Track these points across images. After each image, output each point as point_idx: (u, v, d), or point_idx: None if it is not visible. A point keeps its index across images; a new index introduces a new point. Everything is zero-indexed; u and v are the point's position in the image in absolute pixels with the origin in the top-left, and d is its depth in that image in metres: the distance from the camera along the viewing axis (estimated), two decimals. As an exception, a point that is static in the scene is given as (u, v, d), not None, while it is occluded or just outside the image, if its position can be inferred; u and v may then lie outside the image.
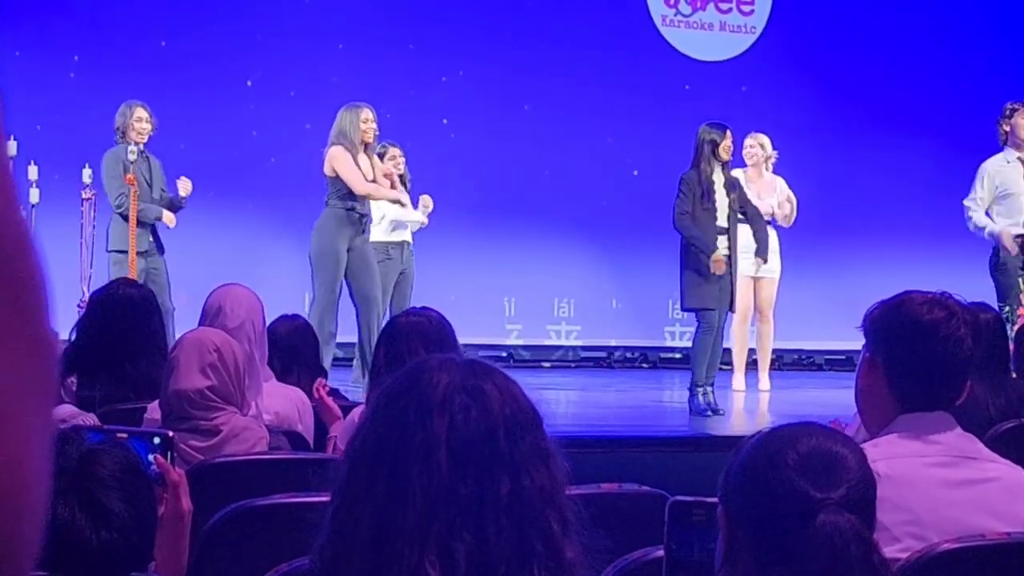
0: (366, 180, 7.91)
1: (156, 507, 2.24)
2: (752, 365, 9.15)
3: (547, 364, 11.23)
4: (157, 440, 2.56)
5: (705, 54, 11.73)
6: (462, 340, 3.93)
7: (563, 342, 11.40)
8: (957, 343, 2.58)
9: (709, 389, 7.70)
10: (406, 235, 8.73)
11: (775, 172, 9.26)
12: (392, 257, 8.55)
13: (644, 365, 11.55)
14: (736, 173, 8.58)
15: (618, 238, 11.30)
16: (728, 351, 8.64)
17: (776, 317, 8.98)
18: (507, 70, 11.15)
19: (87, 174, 8.12)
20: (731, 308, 7.93)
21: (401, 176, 8.67)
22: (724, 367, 8.75)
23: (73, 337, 4.52)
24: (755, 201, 8.52)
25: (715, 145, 7.87)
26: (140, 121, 7.97)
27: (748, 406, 8.50)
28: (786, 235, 9.15)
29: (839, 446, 1.85)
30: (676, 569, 1.99)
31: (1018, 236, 8.05)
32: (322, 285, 7.85)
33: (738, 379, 8.94)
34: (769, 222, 8.80)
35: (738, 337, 8.87)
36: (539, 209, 11.07)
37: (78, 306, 7.10)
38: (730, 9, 11.82)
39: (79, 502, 2.06)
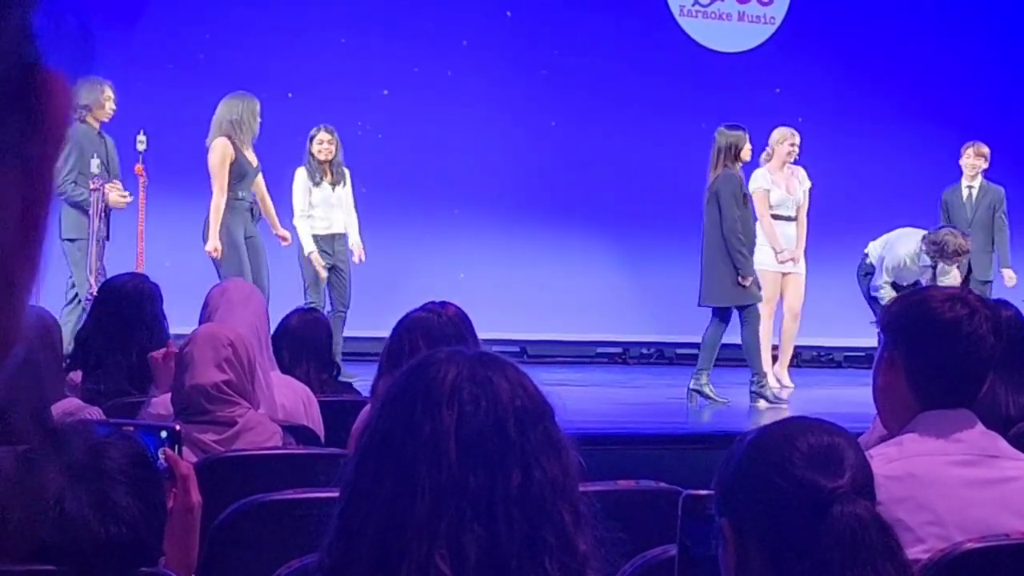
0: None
1: (165, 501, 2.21)
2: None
3: (562, 359, 11.18)
4: (164, 433, 2.54)
5: (723, 45, 11.67)
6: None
7: (578, 337, 11.36)
8: (979, 341, 2.55)
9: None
10: (338, 227, 8.69)
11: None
12: (325, 250, 8.56)
13: (661, 361, 11.51)
14: (762, 171, 8.82)
15: (634, 232, 11.26)
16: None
17: (808, 313, 8.97)
18: (521, 62, 11.10)
19: (95, 164, 8.06)
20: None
21: (330, 162, 8.59)
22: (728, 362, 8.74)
23: (81, 330, 4.54)
24: (787, 195, 8.78)
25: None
26: (110, 100, 7.86)
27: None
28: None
29: (834, 436, 1.86)
30: (689, 563, 1.98)
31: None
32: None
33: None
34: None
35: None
36: (554, 202, 11.04)
37: (86, 299, 7.08)
38: (749, -1, 11.77)
39: (88, 496, 2.03)
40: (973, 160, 9.52)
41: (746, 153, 8.10)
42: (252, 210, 8.15)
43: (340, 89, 10.59)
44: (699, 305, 8.24)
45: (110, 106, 7.85)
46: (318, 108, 9.79)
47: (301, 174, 8.57)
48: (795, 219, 8.95)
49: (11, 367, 0.59)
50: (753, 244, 8.16)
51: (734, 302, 8.01)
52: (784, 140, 8.99)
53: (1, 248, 0.57)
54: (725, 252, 7.95)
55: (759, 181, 8.79)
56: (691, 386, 8.11)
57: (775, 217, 8.82)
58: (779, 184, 8.90)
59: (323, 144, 8.52)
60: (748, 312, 8.06)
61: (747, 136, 8.14)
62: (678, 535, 1.99)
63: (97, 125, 7.87)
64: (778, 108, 10.82)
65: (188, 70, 10.11)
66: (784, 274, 8.92)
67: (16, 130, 0.57)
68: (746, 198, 8.07)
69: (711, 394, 8.04)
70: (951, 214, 9.39)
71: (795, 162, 9.10)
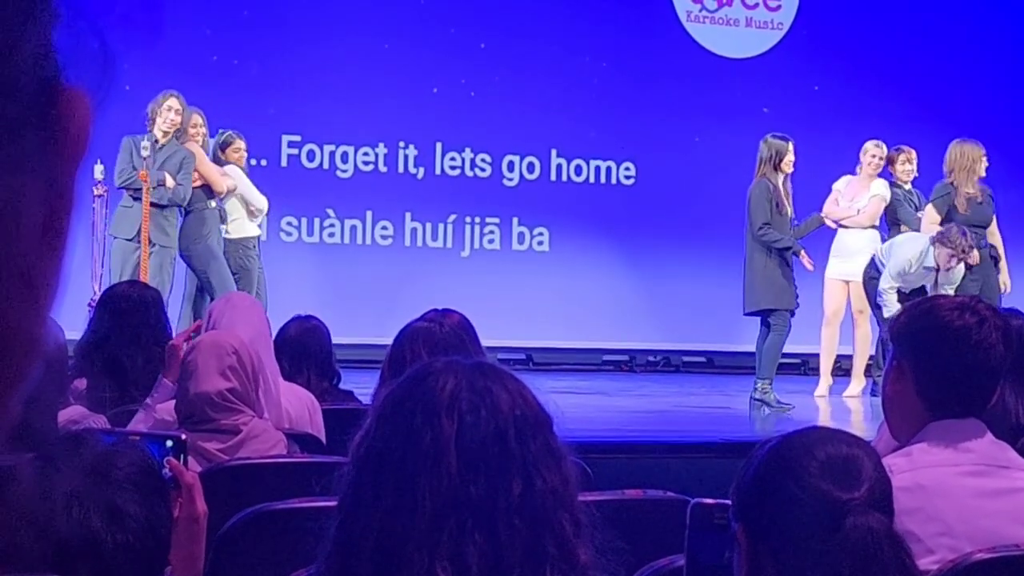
0: None
1: (171, 510, 2.20)
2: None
3: (568, 367, 11.17)
4: (170, 443, 2.52)
5: (731, 51, 11.65)
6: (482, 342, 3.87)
7: (584, 344, 11.34)
8: (988, 349, 2.54)
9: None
10: (257, 230, 8.76)
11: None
12: (249, 256, 8.62)
13: (667, 368, 11.49)
14: (844, 178, 9.02)
15: (641, 239, 11.24)
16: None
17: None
18: (526, 67, 11.09)
19: (99, 170, 8.06)
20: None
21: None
22: (744, 371, 8.72)
23: (85, 336, 4.54)
24: (845, 204, 8.92)
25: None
26: (168, 111, 8.01)
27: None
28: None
29: (853, 448, 1.85)
30: (697, 573, 1.96)
31: None
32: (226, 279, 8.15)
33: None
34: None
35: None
36: (559, 209, 11.03)
37: (88, 305, 7.07)
38: (756, 5, 11.73)
39: (94, 504, 2.02)
40: (880, 160, 9.34)
41: (787, 164, 8.14)
42: (223, 216, 8.41)
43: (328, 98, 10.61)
44: (745, 314, 8.34)
45: (166, 115, 8.05)
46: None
47: (239, 172, 8.58)
48: (863, 227, 9.00)
49: (35, 375, 0.60)
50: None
51: (768, 305, 8.08)
52: (865, 152, 9.16)
53: (26, 256, 0.58)
54: (759, 256, 8.07)
55: (835, 187, 9.05)
56: (754, 396, 8.14)
57: (841, 226, 8.98)
58: (849, 193, 9.00)
59: (240, 152, 8.61)
60: (777, 317, 8.08)
61: (791, 147, 8.22)
62: (686, 545, 1.98)
63: (159, 135, 8.04)
64: (783, 114, 10.82)
65: (210, 76, 10.11)
66: (846, 282, 8.98)
67: (37, 144, 0.58)
68: (779, 205, 8.09)
69: (774, 401, 8.07)
70: (899, 213, 9.26)
71: (882, 173, 9.17)
